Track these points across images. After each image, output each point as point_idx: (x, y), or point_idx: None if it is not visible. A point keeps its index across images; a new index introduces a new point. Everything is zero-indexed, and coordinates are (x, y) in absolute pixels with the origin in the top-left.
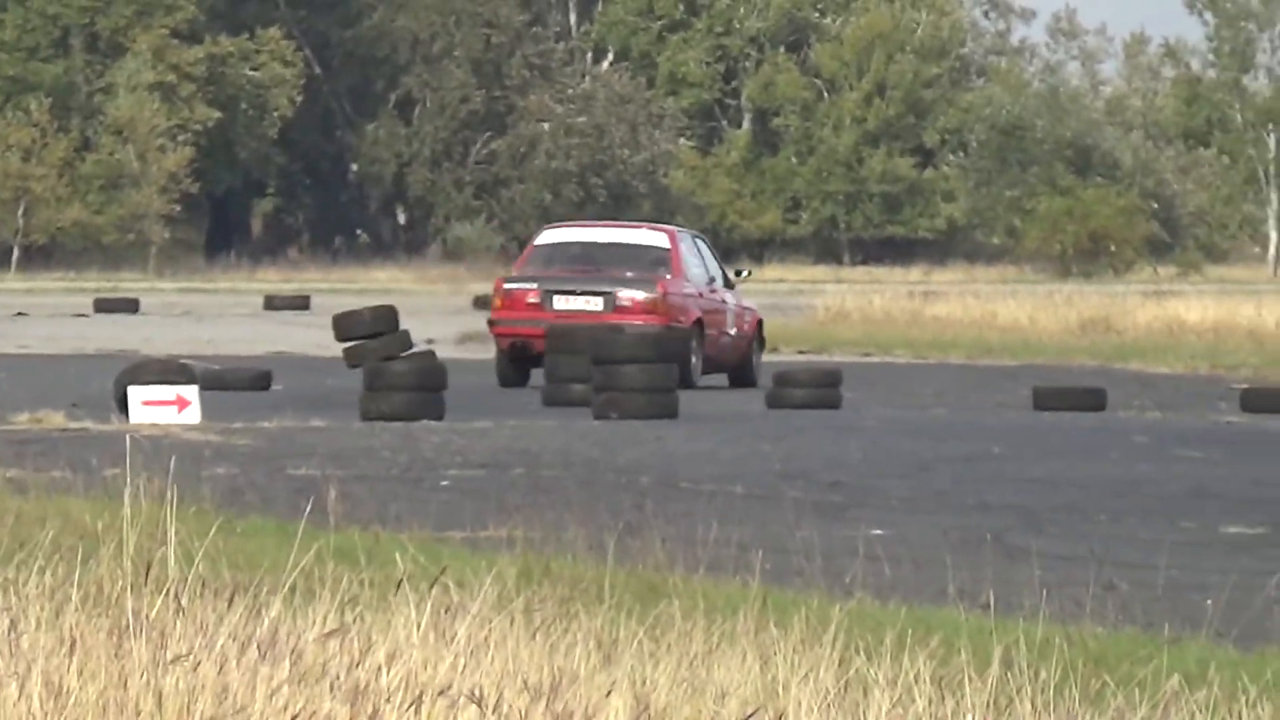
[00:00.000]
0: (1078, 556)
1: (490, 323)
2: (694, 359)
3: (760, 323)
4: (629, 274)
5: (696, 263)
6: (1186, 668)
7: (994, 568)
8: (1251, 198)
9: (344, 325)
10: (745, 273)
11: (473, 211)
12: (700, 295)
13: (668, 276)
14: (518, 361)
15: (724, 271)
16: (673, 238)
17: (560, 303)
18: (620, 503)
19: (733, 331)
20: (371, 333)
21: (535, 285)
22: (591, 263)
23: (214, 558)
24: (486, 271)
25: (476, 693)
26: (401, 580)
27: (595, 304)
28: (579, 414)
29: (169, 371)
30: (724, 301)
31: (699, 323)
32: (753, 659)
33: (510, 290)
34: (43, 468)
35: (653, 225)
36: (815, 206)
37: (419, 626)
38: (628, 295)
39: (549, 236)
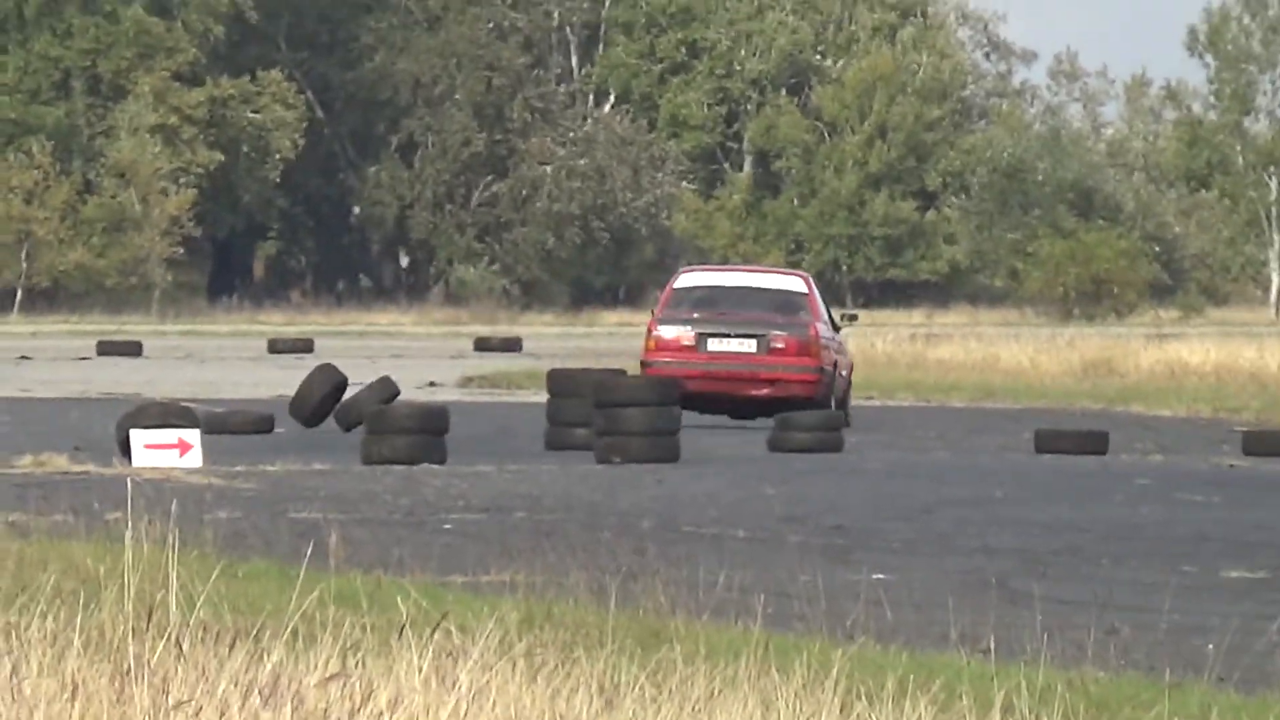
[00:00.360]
0: (1080, 600)
1: (643, 364)
2: (833, 401)
3: (852, 366)
4: (780, 317)
5: (822, 307)
6: (1189, 712)
7: (996, 612)
8: (1253, 240)
9: (300, 406)
10: (853, 317)
11: (475, 254)
12: (832, 337)
13: (812, 319)
14: None
15: (831, 316)
16: (807, 282)
17: (715, 345)
18: (622, 547)
19: (844, 373)
20: (325, 393)
21: (689, 328)
22: (735, 306)
23: (215, 602)
24: (488, 314)
25: None
26: (403, 625)
27: (749, 346)
28: (581, 458)
29: (171, 415)
30: (840, 344)
31: (835, 364)
32: (754, 704)
33: (664, 334)
34: (45, 511)
35: (786, 270)
36: (817, 249)
37: (421, 671)
38: (781, 337)
39: (687, 280)
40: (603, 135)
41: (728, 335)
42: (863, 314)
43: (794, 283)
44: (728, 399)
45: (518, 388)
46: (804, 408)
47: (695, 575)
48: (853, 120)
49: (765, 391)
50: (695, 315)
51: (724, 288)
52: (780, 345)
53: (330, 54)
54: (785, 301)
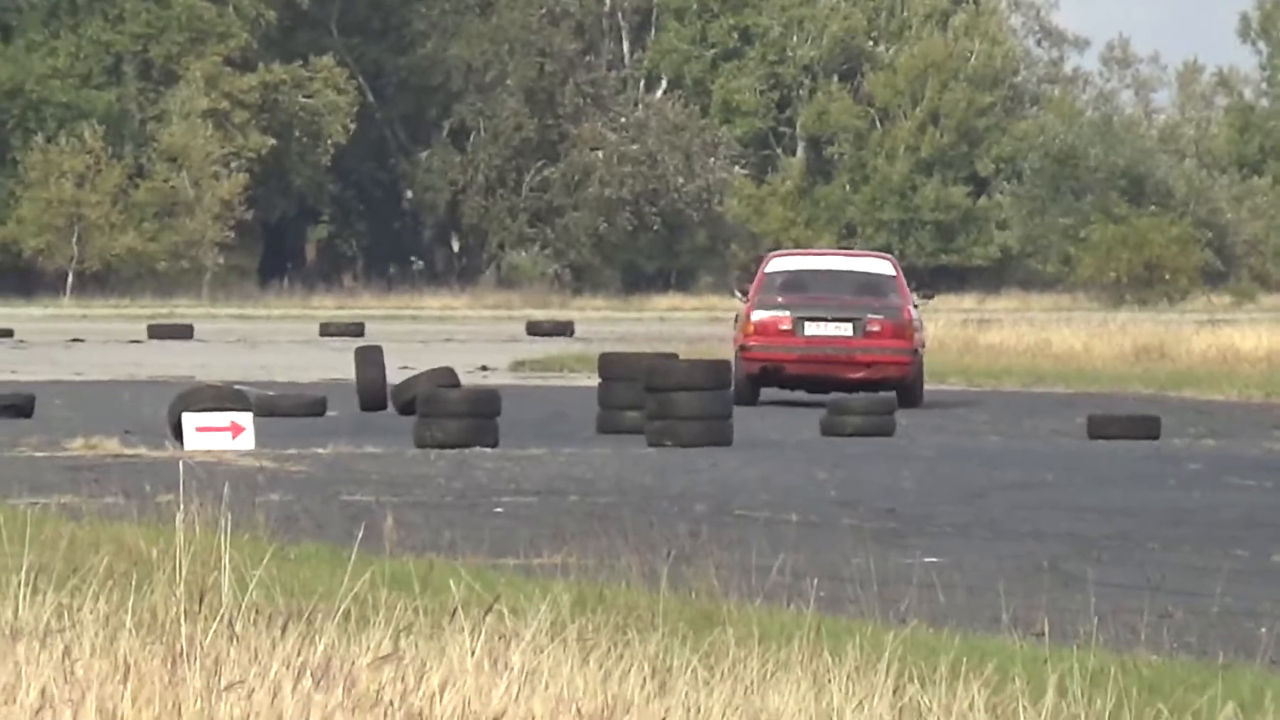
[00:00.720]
0: (1132, 584)
1: (742, 348)
2: (919, 380)
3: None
4: (874, 300)
5: (907, 289)
6: (1241, 695)
7: (1048, 595)
8: None
9: (366, 393)
10: (929, 295)
11: (526, 239)
12: (918, 319)
13: (904, 302)
14: (762, 383)
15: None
16: (894, 264)
17: (812, 329)
18: (674, 530)
19: (923, 350)
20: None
21: (787, 313)
22: (828, 290)
23: (267, 584)
24: (540, 299)
25: None
26: (455, 607)
27: (845, 329)
28: (633, 441)
29: (223, 398)
30: (921, 323)
31: (923, 344)
32: (807, 687)
33: (761, 318)
34: (97, 494)
35: (873, 253)
36: (869, 234)
37: (473, 654)
38: (877, 321)
39: (778, 265)
40: (654, 121)
41: (825, 319)
42: (913, 298)
43: (882, 265)
44: (824, 381)
45: (569, 371)
46: (896, 388)
47: (748, 558)
48: (905, 106)
49: (862, 374)
50: (791, 299)
51: (815, 271)
52: (876, 329)
53: (382, 39)
54: (875, 284)
